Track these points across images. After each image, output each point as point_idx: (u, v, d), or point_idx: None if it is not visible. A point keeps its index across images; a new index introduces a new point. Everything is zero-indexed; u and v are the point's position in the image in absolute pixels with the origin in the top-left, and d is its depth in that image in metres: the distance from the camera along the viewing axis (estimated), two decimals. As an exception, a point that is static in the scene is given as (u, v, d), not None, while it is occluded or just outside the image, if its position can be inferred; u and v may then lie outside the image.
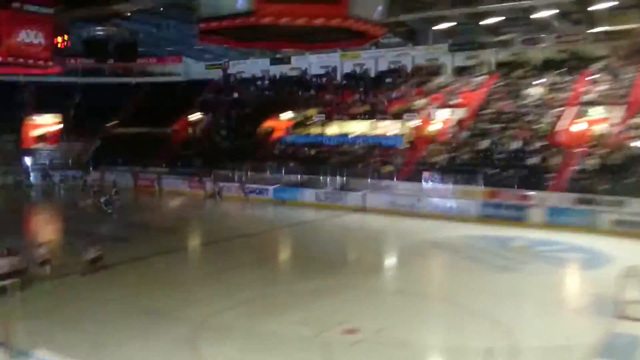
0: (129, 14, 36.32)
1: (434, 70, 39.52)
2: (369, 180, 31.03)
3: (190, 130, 44.86)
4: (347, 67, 44.56)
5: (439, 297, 16.21)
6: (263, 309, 14.31)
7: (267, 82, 47.68)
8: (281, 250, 23.92)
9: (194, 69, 52.40)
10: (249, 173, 34.88)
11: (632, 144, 26.11)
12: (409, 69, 41.37)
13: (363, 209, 29.53)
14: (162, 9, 36.27)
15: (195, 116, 45.15)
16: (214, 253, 21.88)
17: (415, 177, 30.19)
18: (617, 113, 28.37)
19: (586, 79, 32.01)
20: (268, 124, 40.47)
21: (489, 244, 22.04)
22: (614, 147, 26.50)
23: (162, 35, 45.81)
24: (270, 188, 33.25)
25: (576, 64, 33.45)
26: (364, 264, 20.34)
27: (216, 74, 50.60)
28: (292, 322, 13.29)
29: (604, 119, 28.62)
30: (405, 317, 14.00)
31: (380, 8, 17.57)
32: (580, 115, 29.42)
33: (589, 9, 30.38)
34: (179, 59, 51.92)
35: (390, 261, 22.10)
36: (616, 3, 29.34)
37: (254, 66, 49.28)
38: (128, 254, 20.09)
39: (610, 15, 30.82)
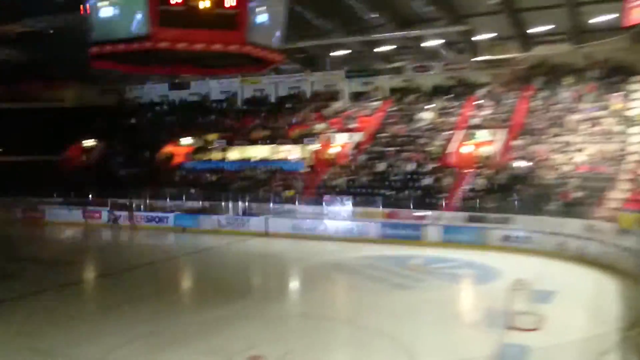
0: (16, 36, 34.37)
1: (332, 96, 40.57)
2: (271, 204, 31.14)
3: (84, 157, 42.92)
4: (248, 92, 44.70)
5: (342, 319, 16.48)
6: (165, 341, 13.86)
7: (165, 107, 46.76)
8: (182, 279, 23.35)
9: (87, 93, 50.22)
10: (147, 201, 33.84)
11: (515, 165, 28.07)
12: (308, 94, 42.19)
13: (266, 234, 29.53)
14: (52, 31, 34.66)
15: (90, 142, 43.30)
16: (109, 285, 20.92)
17: (317, 201, 30.68)
18: (501, 136, 30.45)
19: (472, 104, 34.14)
20: (167, 149, 39.63)
21: (389, 264, 22.73)
22: (499, 167, 28.37)
23: (52, 59, 43.65)
24: (170, 215, 32.46)
25: (463, 90, 35.65)
26: (268, 289, 20.31)
27: (112, 99, 48.84)
28: (196, 352, 12.97)
29: (489, 142, 30.62)
30: (309, 340, 14.08)
31: (278, 35, 17.86)
32: (468, 138, 31.30)
33: (473, 39, 32.60)
34: (71, 84, 49.62)
35: (293, 285, 22.20)
36: (495, 35, 31.67)
37: (151, 91, 48.17)
38: (15, 290, 18.79)
39: (492, 45, 33.22)
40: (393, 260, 23.32)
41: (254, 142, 38.02)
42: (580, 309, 16.14)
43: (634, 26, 22.72)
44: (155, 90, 47.93)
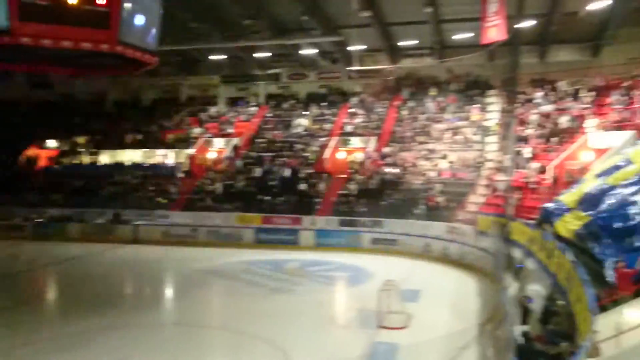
0: None
1: (208, 100, 40.00)
2: (143, 210, 30.07)
3: None
4: (118, 94, 42.69)
5: (219, 325, 16.38)
6: (27, 358, 12.94)
7: (27, 107, 43.33)
8: (45, 290, 21.89)
9: None
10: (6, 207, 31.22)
11: (385, 171, 29.44)
12: (184, 98, 41.25)
13: (137, 241, 28.48)
14: None
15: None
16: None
17: (192, 206, 30.11)
18: (372, 143, 31.80)
19: (346, 112, 35.30)
20: (30, 152, 36.85)
21: (265, 268, 22.92)
22: (370, 173, 29.61)
23: None
24: (31, 223, 30.23)
25: (337, 98, 36.73)
26: (140, 298, 19.64)
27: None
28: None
29: (362, 148, 31.85)
30: (185, 348, 13.82)
31: (152, 36, 17.38)
32: (341, 144, 32.34)
33: (346, 49, 33.74)
34: None
35: (167, 293, 21.68)
36: (367, 46, 33.03)
37: (11, 89, 44.40)
38: None
39: (364, 56, 34.58)
40: (269, 264, 23.53)
41: (126, 145, 36.46)
42: (443, 307, 17.31)
43: (490, 44, 24.75)
44: (15, 89, 44.24)
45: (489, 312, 15.86)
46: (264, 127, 35.93)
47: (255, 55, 35.99)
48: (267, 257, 24.79)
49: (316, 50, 34.44)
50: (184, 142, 35.13)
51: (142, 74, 26.11)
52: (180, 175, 33.06)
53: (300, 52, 34.49)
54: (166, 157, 35.13)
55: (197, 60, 38.68)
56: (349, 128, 33.49)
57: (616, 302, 11.33)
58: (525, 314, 14.89)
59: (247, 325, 15.43)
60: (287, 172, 31.07)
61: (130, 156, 35.63)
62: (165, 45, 23.11)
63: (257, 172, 31.75)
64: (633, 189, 15.48)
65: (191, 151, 34.05)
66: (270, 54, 35.84)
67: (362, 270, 22.41)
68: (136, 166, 34.61)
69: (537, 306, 15.41)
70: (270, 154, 33.00)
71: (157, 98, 41.83)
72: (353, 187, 29.10)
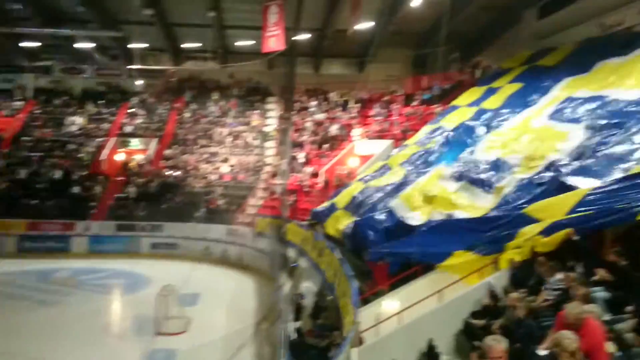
0: None
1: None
2: None
3: None
4: None
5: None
6: None
7: None
8: None
9: None
10: None
11: (166, 173, 28.95)
12: None
13: None
14: None
15: None
16: None
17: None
18: (153, 145, 31.00)
19: (126, 111, 33.84)
20: None
21: (31, 279, 21.05)
22: (151, 176, 28.84)
23: None
24: None
25: (116, 96, 34.96)
26: None
27: None
28: None
29: (142, 150, 30.85)
30: None
31: None
32: (120, 145, 30.93)
33: (128, 46, 32.35)
34: None
35: None
36: (149, 45, 32.14)
37: None
38: None
39: (146, 55, 33.51)
40: (36, 275, 21.63)
41: None
42: (222, 308, 17.73)
43: (270, 53, 25.85)
44: None
45: (265, 311, 16.63)
46: (31, 124, 32.66)
47: (23, 44, 32.67)
48: (33, 267, 22.68)
49: (93, 45, 32.46)
50: None
51: None
52: None
53: (76, 45, 32.15)
54: None
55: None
56: (128, 128, 32.17)
57: (376, 295, 12.77)
58: (298, 311, 15.97)
59: (8, 343, 14.05)
60: (57, 174, 28.70)
61: None
62: None
63: (22, 173, 28.78)
64: (391, 191, 17.60)
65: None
66: (40, 44, 32.83)
67: (139, 276, 21.77)
68: None
69: (308, 302, 16.63)
70: (39, 153, 30.15)
71: None
72: (132, 190, 28.05)
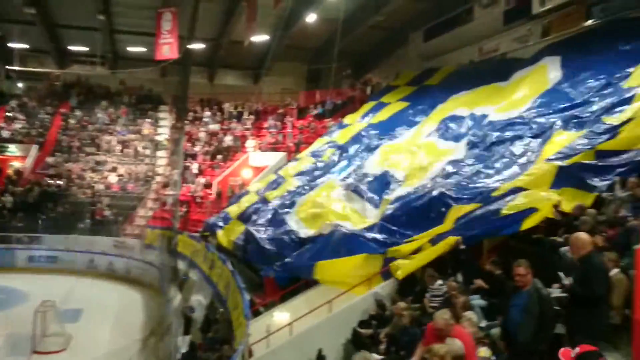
0: None
1: None
2: None
3: None
4: None
5: None
6: None
7: None
8: None
9: None
10: None
11: (47, 182, 27.27)
12: None
13: None
14: None
15: None
16: None
17: None
18: (33, 152, 29.13)
19: (2, 115, 31.54)
20: None
21: None
22: (30, 184, 27.04)
23: None
24: None
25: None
26: None
27: None
28: None
29: (21, 157, 28.90)
30: None
31: None
32: (-4, 151, 28.82)
33: (6, 45, 30.20)
34: None
35: None
36: (31, 46, 30.26)
37: None
38: None
39: (27, 56, 31.47)
40: None
41: None
42: (107, 324, 17.00)
43: (163, 61, 25.25)
44: None
45: (153, 326, 16.16)
46: None
47: None
48: None
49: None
50: None
51: None
52: None
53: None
54: None
55: None
56: (5, 134, 29.99)
57: (267, 307, 12.87)
58: (188, 324, 15.72)
59: None
60: None
61: None
62: None
63: None
64: (283, 204, 17.83)
65: None
66: None
67: (14, 291, 20.27)
68: None
69: (199, 316, 16.41)
70: None
71: None
72: (8, 199, 26.12)
